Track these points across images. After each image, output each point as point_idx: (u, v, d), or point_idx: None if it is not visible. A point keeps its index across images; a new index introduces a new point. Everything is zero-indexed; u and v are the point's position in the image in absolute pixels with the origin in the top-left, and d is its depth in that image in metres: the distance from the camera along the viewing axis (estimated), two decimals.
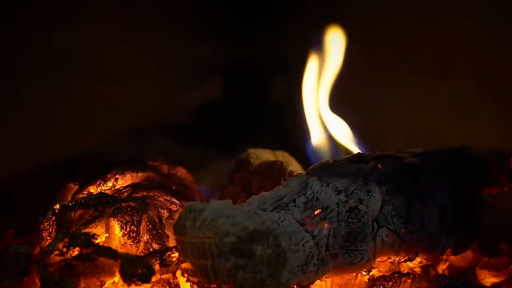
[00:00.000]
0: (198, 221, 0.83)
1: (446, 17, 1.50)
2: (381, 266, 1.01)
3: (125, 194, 1.13)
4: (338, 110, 1.33)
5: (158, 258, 0.89)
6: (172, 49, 1.71)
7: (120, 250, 0.89)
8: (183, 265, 0.85)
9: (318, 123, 1.27)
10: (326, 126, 1.25)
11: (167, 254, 0.89)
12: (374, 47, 1.60)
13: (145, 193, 1.11)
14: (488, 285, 1.08)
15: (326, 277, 0.94)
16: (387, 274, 1.01)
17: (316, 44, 1.32)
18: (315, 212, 0.90)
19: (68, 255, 0.86)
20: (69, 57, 1.55)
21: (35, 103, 1.51)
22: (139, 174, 1.17)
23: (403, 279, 0.99)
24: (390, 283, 0.99)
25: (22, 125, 1.50)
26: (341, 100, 1.35)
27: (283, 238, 0.84)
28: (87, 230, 1.01)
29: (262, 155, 1.25)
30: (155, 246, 1.03)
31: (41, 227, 1.04)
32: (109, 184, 1.15)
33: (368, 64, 1.59)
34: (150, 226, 1.04)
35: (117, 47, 1.61)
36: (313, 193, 0.92)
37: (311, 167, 1.00)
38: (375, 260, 0.95)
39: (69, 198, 1.16)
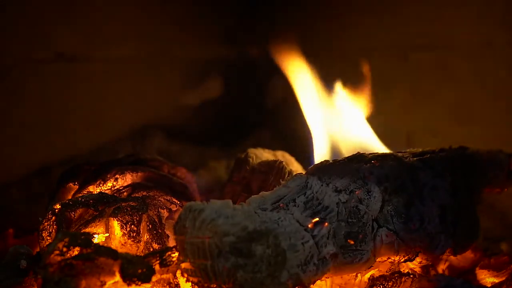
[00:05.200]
0: (198, 221, 0.83)
1: (446, 17, 1.50)
2: (381, 266, 1.01)
3: (125, 194, 1.13)
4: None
5: (158, 258, 0.89)
6: (172, 49, 1.71)
7: (120, 250, 0.89)
8: (183, 265, 0.85)
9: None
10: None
11: (167, 254, 0.89)
12: (374, 47, 1.60)
13: (145, 193, 1.11)
14: (488, 285, 1.08)
15: (326, 277, 0.94)
16: (387, 274, 1.01)
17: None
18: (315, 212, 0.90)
19: (68, 255, 0.85)
20: (69, 57, 1.55)
21: (35, 103, 1.51)
22: (139, 174, 1.17)
23: (403, 279, 0.99)
24: (390, 283, 0.99)
25: (22, 125, 1.50)
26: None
27: (283, 237, 0.84)
28: (87, 229, 1.01)
29: (262, 155, 1.25)
30: (155, 246, 1.03)
31: (41, 227, 1.04)
32: (109, 184, 1.15)
33: (368, 64, 1.59)
34: (150, 226, 1.04)
35: (117, 47, 1.62)
36: (313, 193, 0.92)
37: (311, 166, 1.00)
38: (375, 260, 0.95)
39: (69, 198, 1.16)
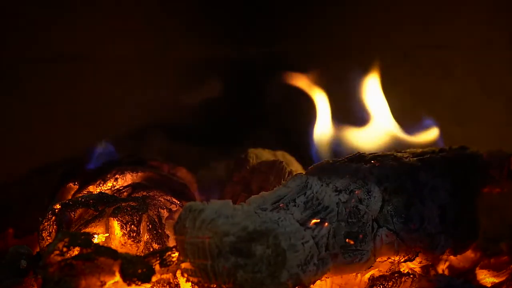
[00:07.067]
0: (198, 221, 0.83)
1: (447, 17, 1.50)
2: (381, 266, 1.01)
3: (125, 194, 1.13)
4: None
5: (158, 258, 0.89)
6: (172, 49, 1.71)
7: (120, 250, 0.89)
8: (183, 265, 0.85)
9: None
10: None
11: (167, 254, 0.89)
12: (374, 47, 1.60)
13: (145, 193, 1.12)
14: (488, 285, 1.08)
15: (326, 277, 0.94)
16: (387, 274, 1.01)
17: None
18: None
19: (68, 255, 0.86)
20: (69, 57, 1.55)
21: (35, 103, 1.51)
22: (139, 174, 1.17)
23: (403, 279, 0.99)
24: (390, 283, 0.99)
25: (22, 125, 1.50)
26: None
27: (283, 237, 0.84)
28: (87, 229, 1.01)
29: (262, 155, 1.25)
30: (155, 246, 1.03)
31: (41, 227, 1.04)
32: (109, 184, 1.15)
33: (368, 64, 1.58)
34: (150, 226, 1.04)
35: (117, 47, 1.61)
36: (313, 193, 0.92)
37: (311, 166, 1.00)
38: (375, 260, 0.95)
39: (69, 198, 1.16)
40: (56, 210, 1.04)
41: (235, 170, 1.24)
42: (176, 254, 0.89)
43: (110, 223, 1.02)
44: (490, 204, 1.18)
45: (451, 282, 0.94)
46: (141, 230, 1.03)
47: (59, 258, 0.85)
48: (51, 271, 0.84)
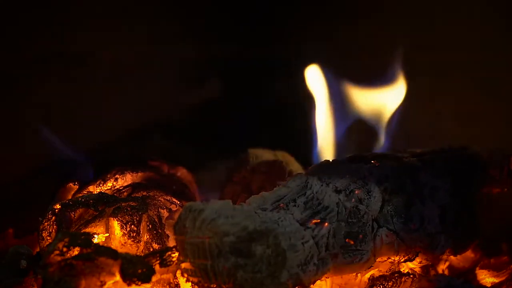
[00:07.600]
0: (198, 221, 0.83)
1: (447, 17, 1.50)
2: (381, 266, 1.01)
3: (125, 194, 1.13)
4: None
5: (158, 258, 0.89)
6: (172, 49, 1.71)
7: (120, 250, 0.89)
8: (183, 265, 0.86)
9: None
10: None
11: (167, 254, 0.89)
12: (374, 47, 1.60)
13: (145, 193, 1.12)
14: (488, 285, 1.08)
15: (326, 277, 0.94)
16: (387, 274, 1.01)
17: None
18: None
19: (68, 255, 0.86)
20: (69, 57, 1.55)
21: (35, 103, 1.51)
22: (139, 174, 1.17)
23: (403, 279, 0.99)
24: (390, 283, 0.99)
25: (22, 125, 1.50)
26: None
27: (283, 237, 0.84)
28: (87, 229, 1.01)
29: (262, 155, 1.25)
30: (155, 246, 1.03)
31: (41, 227, 1.04)
32: (109, 184, 1.15)
33: (368, 64, 1.59)
34: (150, 226, 1.04)
35: (117, 47, 1.61)
36: (313, 193, 0.92)
37: (311, 167, 1.00)
38: (375, 260, 0.95)
39: (69, 198, 1.16)
40: (56, 210, 1.04)
41: (235, 170, 1.24)
42: (176, 254, 0.89)
43: (110, 223, 1.02)
44: (490, 204, 1.18)
45: (451, 282, 0.94)
46: (141, 230, 1.03)
47: (59, 258, 0.85)
48: (51, 271, 0.84)
